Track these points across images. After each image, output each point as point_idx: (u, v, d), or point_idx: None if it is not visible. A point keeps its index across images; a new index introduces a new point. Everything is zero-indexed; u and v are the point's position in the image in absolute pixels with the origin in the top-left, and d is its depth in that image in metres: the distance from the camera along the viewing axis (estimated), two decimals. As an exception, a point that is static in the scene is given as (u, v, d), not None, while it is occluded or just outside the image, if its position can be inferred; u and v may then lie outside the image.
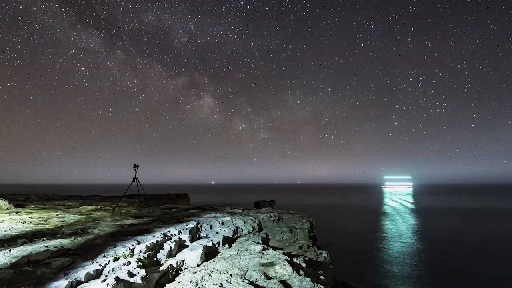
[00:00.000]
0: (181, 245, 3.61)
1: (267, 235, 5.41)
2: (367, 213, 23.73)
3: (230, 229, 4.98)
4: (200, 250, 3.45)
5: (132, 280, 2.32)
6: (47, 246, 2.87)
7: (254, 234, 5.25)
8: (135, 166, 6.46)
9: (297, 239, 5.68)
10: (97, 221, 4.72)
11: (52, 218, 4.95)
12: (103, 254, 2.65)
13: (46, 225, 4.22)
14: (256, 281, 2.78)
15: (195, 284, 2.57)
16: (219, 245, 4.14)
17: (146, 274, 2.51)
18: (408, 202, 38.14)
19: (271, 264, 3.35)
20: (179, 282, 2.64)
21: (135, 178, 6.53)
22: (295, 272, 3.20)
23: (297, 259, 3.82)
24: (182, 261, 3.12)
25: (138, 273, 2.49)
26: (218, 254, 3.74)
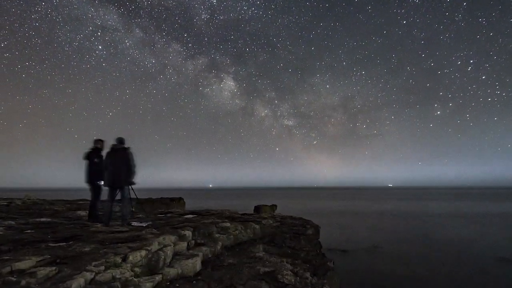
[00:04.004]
0: (176, 253, 3.60)
1: (269, 242, 5.40)
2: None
3: (229, 235, 4.97)
4: (197, 258, 3.44)
5: (124, 290, 2.31)
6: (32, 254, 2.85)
7: (255, 241, 5.24)
8: None
9: (301, 246, 5.67)
10: (85, 227, 4.71)
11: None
12: (92, 263, 2.64)
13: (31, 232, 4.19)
14: (257, 291, 2.78)
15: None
16: (217, 253, 4.13)
17: (140, 284, 2.50)
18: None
19: (273, 273, 3.35)
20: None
21: None
22: (298, 281, 3.19)
23: (300, 267, 3.81)
24: (178, 269, 3.11)
25: (130, 282, 2.48)
26: (217, 262, 3.73)
